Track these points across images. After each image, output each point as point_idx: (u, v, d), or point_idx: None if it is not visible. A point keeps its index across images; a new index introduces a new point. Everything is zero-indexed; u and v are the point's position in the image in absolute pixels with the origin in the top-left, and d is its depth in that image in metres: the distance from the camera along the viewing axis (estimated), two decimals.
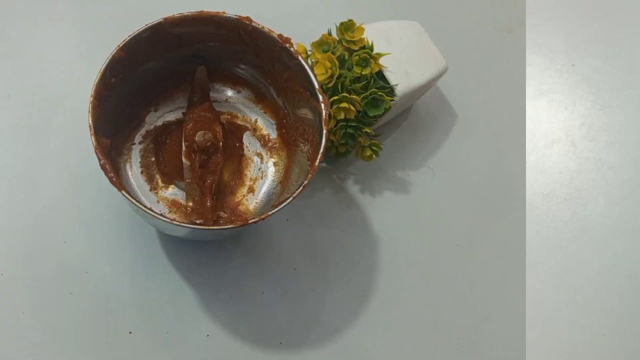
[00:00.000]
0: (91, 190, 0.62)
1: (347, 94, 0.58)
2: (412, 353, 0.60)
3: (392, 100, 0.59)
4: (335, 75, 0.58)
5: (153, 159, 0.60)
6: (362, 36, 0.59)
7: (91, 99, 0.50)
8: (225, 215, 0.58)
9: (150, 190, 0.59)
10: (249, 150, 0.62)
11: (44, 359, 0.56)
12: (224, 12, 0.54)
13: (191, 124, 0.59)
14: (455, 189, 0.67)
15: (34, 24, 0.69)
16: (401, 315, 0.61)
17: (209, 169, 0.58)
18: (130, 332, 0.57)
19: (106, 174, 0.49)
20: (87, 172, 0.61)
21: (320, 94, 0.53)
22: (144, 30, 0.53)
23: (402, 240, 0.64)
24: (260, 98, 0.62)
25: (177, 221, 0.48)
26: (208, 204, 0.57)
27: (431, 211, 0.65)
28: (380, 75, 0.60)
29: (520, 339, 0.60)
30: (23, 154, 0.63)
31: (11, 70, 0.67)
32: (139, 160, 0.59)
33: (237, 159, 0.61)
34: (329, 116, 0.52)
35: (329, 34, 0.61)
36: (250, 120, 0.62)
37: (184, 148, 0.58)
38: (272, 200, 0.59)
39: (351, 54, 0.59)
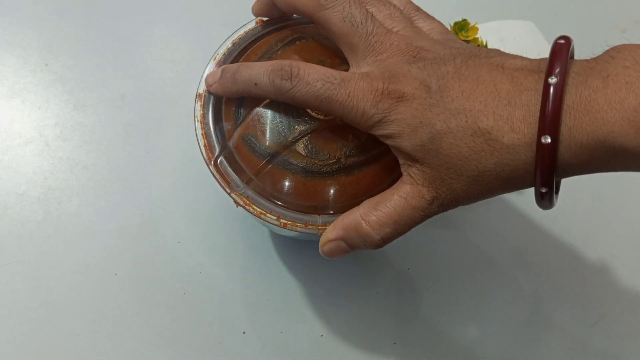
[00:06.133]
0: (204, 190, 0.62)
1: None
2: (526, 352, 0.59)
3: None
4: None
5: None
6: (476, 36, 0.59)
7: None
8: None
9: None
10: None
11: None
12: None
13: None
14: None
15: (147, 24, 0.71)
16: (514, 315, 0.60)
17: None
18: (244, 333, 0.58)
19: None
20: (200, 172, 0.61)
21: None
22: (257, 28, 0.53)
23: (517, 239, 0.63)
24: None
25: (289, 224, 0.47)
26: None
27: (547, 213, 0.63)
28: None
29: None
30: (136, 153, 0.64)
31: (124, 70, 0.68)
32: None
33: None
34: None
35: None
36: None
37: None
38: None
39: None
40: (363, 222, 0.41)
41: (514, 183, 0.38)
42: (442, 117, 0.37)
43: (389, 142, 0.40)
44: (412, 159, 0.40)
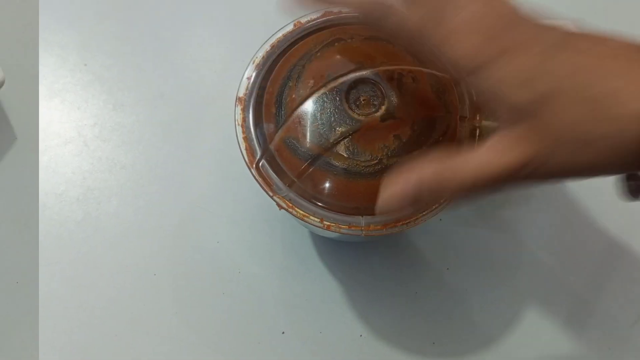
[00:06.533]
0: (243, 190, 0.62)
1: None
2: (565, 352, 0.58)
3: None
4: None
5: None
6: None
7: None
8: None
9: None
10: None
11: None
12: None
13: None
14: None
15: (186, 24, 0.70)
16: (554, 314, 0.59)
17: None
18: (283, 332, 0.58)
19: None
20: (239, 171, 0.61)
21: None
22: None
23: (557, 238, 0.62)
24: None
25: (333, 226, 0.47)
26: None
27: (587, 211, 0.63)
28: None
29: None
30: (175, 153, 0.64)
31: (163, 70, 0.67)
32: None
33: None
34: None
35: None
36: None
37: None
38: None
39: None
40: (440, 166, 0.36)
41: (619, 160, 0.33)
42: (555, 75, 0.33)
43: (487, 92, 0.35)
44: (512, 115, 0.35)
